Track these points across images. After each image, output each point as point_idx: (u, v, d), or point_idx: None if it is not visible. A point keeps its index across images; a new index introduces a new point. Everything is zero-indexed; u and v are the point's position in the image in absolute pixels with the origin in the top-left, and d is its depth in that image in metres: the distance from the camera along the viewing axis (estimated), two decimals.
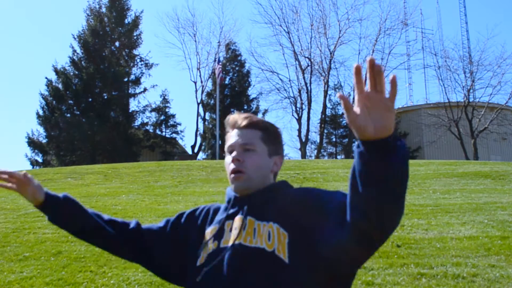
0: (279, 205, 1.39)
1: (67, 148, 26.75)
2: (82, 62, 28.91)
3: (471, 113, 27.41)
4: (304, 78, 32.51)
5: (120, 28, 30.66)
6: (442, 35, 49.46)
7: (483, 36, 59.58)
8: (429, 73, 47.12)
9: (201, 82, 32.71)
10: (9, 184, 1.59)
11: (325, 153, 33.84)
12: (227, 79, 32.76)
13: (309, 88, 32.37)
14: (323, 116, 32.41)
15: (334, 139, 33.84)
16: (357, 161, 1.18)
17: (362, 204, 1.12)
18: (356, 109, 1.12)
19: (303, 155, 30.95)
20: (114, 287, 4.17)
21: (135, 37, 31.05)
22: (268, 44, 49.96)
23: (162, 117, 31.19)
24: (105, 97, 29.01)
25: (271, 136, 1.47)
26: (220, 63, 26.45)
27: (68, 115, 28.03)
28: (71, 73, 28.53)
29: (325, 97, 32.16)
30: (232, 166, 1.40)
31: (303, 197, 1.39)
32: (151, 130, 30.92)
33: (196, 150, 31.64)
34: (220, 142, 25.36)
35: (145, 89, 30.56)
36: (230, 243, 1.36)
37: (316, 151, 32.63)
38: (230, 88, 33.06)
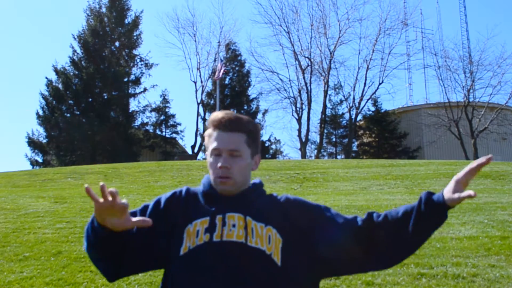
0: (275, 208, 1.50)
1: (67, 148, 26.76)
2: (82, 62, 28.94)
3: (471, 113, 27.42)
4: (304, 78, 32.56)
5: (120, 28, 30.68)
6: (442, 35, 49.48)
7: (483, 36, 59.62)
8: (429, 73, 47.09)
9: (201, 82, 32.72)
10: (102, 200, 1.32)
11: (325, 153, 33.87)
12: (227, 79, 32.76)
13: (309, 88, 32.41)
14: (323, 116, 32.42)
15: (334, 139, 33.85)
16: (430, 217, 1.46)
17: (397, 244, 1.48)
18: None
19: (303, 155, 30.96)
20: (114, 287, 4.17)
21: (135, 37, 31.08)
22: (268, 44, 50.04)
23: (162, 117, 31.23)
24: (105, 97, 29.03)
25: (254, 137, 1.51)
26: (222, 62, 26.44)
27: (68, 115, 28.05)
28: (71, 73, 28.55)
29: (325, 97, 32.22)
30: (219, 172, 1.45)
31: (299, 203, 1.54)
32: (151, 130, 30.96)
33: (196, 150, 31.65)
34: None
35: (145, 89, 30.58)
36: (226, 238, 1.39)
37: (316, 151, 32.67)
38: (230, 88, 33.08)
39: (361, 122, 32.96)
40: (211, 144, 1.47)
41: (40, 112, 27.52)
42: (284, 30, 32.90)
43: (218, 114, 1.49)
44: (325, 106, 32.30)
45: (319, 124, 32.91)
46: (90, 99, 28.64)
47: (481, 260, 4.66)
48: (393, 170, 13.07)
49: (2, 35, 51.78)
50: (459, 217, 6.62)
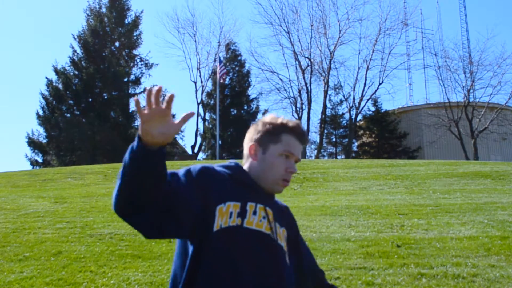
0: (284, 214, 1.64)
1: (67, 148, 26.76)
2: (82, 62, 28.93)
3: (471, 113, 27.42)
4: (304, 78, 32.55)
5: (120, 28, 30.68)
6: (442, 35, 49.48)
7: (483, 36, 59.68)
8: (429, 73, 47.24)
9: (201, 82, 32.70)
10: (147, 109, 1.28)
11: (325, 153, 33.87)
12: (227, 79, 32.76)
13: (309, 88, 32.40)
14: (323, 116, 32.42)
15: (334, 139, 33.86)
16: None
17: None
18: None
19: (303, 155, 30.96)
20: (114, 287, 4.17)
21: (135, 37, 31.07)
22: (268, 44, 50.08)
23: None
24: (105, 97, 29.02)
25: None
26: (222, 63, 26.43)
27: (68, 115, 28.05)
28: (71, 73, 28.54)
29: (325, 97, 32.21)
30: (286, 175, 1.55)
31: (292, 215, 1.70)
32: None
33: (196, 150, 31.66)
34: (220, 142, 25.35)
35: (145, 89, 30.43)
36: (256, 227, 1.45)
37: (316, 151, 32.66)
38: (230, 88, 33.07)
39: (361, 122, 32.96)
40: (282, 146, 1.55)
41: (40, 112, 27.53)
42: (284, 30, 32.93)
43: (295, 122, 1.61)
44: (325, 106, 32.32)
45: (319, 124, 32.94)
46: (90, 99, 28.63)
47: (481, 260, 4.66)
48: (393, 170, 13.07)
49: (2, 35, 51.79)
50: (459, 217, 6.62)
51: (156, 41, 65.85)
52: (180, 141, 32.49)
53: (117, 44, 30.74)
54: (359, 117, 32.65)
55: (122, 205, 1.31)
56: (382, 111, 31.74)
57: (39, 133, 27.73)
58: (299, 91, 32.79)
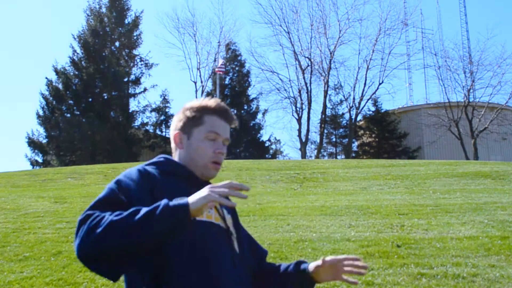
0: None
1: (67, 148, 26.75)
2: (82, 62, 28.93)
3: (471, 113, 27.41)
4: (304, 78, 32.56)
5: (120, 28, 30.68)
6: (442, 35, 49.44)
7: (483, 36, 59.70)
8: (429, 73, 47.18)
9: (201, 82, 32.70)
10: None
11: (325, 153, 33.86)
12: (227, 79, 32.76)
13: (309, 88, 32.41)
14: (323, 116, 32.42)
15: (334, 139, 33.86)
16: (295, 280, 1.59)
17: None
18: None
19: (303, 155, 30.97)
20: (114, 287, 4.17)
21: (135, 37, 31.07)
22: (268, 44, 50.04)
23: (162, 117, 31.19)
24: (105, 97, 29.01)
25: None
26: (223, 59, 26.42)
27: (68, 115, 28.04)
28: (71, 73, 28.54)
29: (325, 97, 32.22)
30: (215, 157, 1.49)
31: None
32: (151, 130, 30.94)
33: None
34: None
35: (145, 89, 30.55)
36: (206, 219, 1.39)
37: (316, 151, 32.66)
38: (230, 88, 33.07)
39: (361, 122, 32.96)
40: (205, 127, 1.49)
41: (40, 112, 27.53)
42: (284, 30, 32.96)
43: (214, 100, 1.53)
44: (325, 106, 32.32)
45: (319, 124, 32.94)
46: (90, 99, 28.62)
47: (481, 260, 4.66)
48: (393, 170, 13.07)
49: (2, 35, 51.80)
50: (459, 217, 6.62)
51: (156, 41, 65.80)
52: None
53: (117, 44, 30.74)
54: (359, 117, 32.68)
55: (101, 253, 1.19)
56: (382, 111, 31.75)
57: (39, 133, 27.76)
58: (299, 91, 32.81)
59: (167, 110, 31.46)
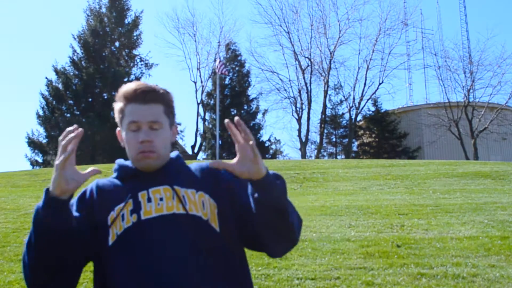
0: (203, 173, 1.43)
1: None
2: (82, 62, 28.93)
3: (471, 113, 27.42)
4: (304, 78, 32.56)
5: (120, 28, 30.68)
6: (442, 35, 49.43)
7: (483, 36, 59.70)
8: (429, 73, 47.18)
9: (201, 82, 32.67)
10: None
11: (325, 153, 33.85)
12: (227, 79, 32.76)
13: (309, 88, 32.41)
14: (323, 116, 32.43)
15: (334, 139, 33.86)
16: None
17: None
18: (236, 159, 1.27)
19: (303, 155, 30.97)
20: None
21: (135, 37, 31.08)
22: (268, 44, 50.01)
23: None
24: (105, 97, 29.01)
25: (171, 107, 1.43)
26: (223, 60, 26.41)
27: (68, 115, 28.04)
28: (71, 73, 28.54)
29: (325, 97, 32.23)
30: (140, 147, 1.35)
31: (214, 171, 1.43)
32: None
33: (196, 150, 31.67)
34: (220, 142, 25.37)
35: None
36: (156, 213, 1.30)
37: (316, 151, 32.67)
38: (230, 88, 33.07)
39: (361, 122, 32.96)
40: (126, 118, 1.37)
41: (40, 112, 27.52)
42: (284, 30, 32.97)
43: (130, 86, 1.39)
44: (325, 106, 32.33)
45: (319, 124, 32.94)
46: (90, 99, 28.63)
47: (481, 260, 4.66)
48: (393, 170, 13.07)
49: (2, 35, 51.79)
50: (459, 217, 6.62)
51: (156, 41, 65.78)
52: (180, 141, 32.52)
53: (117, 44, 30.74)
54: (359, 117, 32.69)
55: (37, 276, 1.26)
56: (382, 111, 31.75)
57: (39, 133, 27.74)
58: (299, 91, 32.81)
59: None
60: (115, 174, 1.45)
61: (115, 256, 1.29)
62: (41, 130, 27.69)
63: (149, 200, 1.33)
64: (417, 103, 31.74)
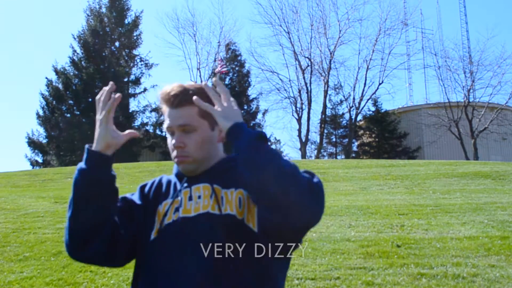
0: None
1: (67, 148, 26.75)
2: (82, 62, 28.93)
3: (471, 113, 27.41)
4: (304, 78, 32.56)
5: (120, 28, 30.68)
6: (442, 35, 49.44)
7: (483, 36, 59.62)
8: (429, 73, 47.14)
9: (201, 82, 32.67)
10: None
11: (325, 153, 33.82)
12: (227, 79, 32.76)
13: (309, 88, 32.39)
14: (323, 116, 32.42)
15: (334, 139, 33.85)
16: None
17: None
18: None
19: (303, 155, 30.97)
20: (114, 287, 4.17)
21: (135, 37, 31.07)
22: (268, 44, 50.12)
23: (162, 117, 31.08)
24: None
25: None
26: (223, 59, 26.43)
27: (68, 115, 28.05)
28: (71, 73, 28.54)
29: (325, 97, 32.22)
30: (175, 152, 1.35)
31: None
32: (151, 130, 30.94)
33: None
34: None
35: (145, 89, 30.58)
36: (194, 213, 1.30)
37: (316, 151, 32.66)
38: (230, 88, 33.04)
39: (361, 122, 32.96)
40: (165, 122, 1.38)
41: (40, 112, 27.53)
42: (284, 30, 32.97)
43: (166, 89, 1.37)
44: (325, 106, 32.33)
45: (319, 124, 32.94)
46: (90, 99, 28.59)
47: (481, 260, 4.66)
48: (393, 170, 13.07)
49: (2, 35, 51.80)
50: (459, 217, 6.62)
51: (156, 41, 65.80)
52: None
53: (117, 44, 30.74)
54: (359, 117, 32.69)
55: (76, 236, 1.28)
56: (382, 111, 31.75)
57: (39, 133, 27.76)
58: (299, 91, 32.78)
59: None
60: (174, 169, 1.47)
61: (153, 251, 1.31)
62: (41, 130, 27.74)
63: (190, 198, 1.34)
64: (417, 103, 31.78)
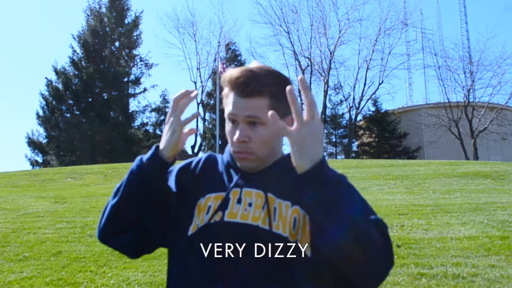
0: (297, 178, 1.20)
1: (67, 148, 26.77)
2: (82, 62, 28.95)
3: (471, 113, 27.41)
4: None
5: (120, 28, 30.70)
6: (442, 35, 49.41)
7: (483, 36, 59.55)
8: (429, 73, 47.11)
9: (201, 82, 32.67)
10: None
11: (325, 153, 33.78)
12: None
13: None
14: (323, 116, 32.41)
15: (334, 139, 33.87)
16: None
17: None
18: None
19: None
20: (114, 287, 4.17)
21: (135, 37, 31.09)
22: (268, 44, 50.02)
23: (162, 117, 31.21)
24: (105, 97, 29.04)
25: (282, 98, 1.13)
26: (223, 60, 26.43)
27: (68, 115, 28.07)
28: (71, 73, 28.56)
29: (325, 97, 32.20)
30: (236, 146, 1.19)
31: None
32: (151, 130, 30.96)
33: (196, 150, 31.66)
34: (220, 142, 25.37)
35: (145, 89, 30.61)
36: (239, 219, 1.16)
37: None
38: None
39: (361, 122, 32.97)
40: (227, 107, 1.21)
41: (40, 112, 27.54)
42: (284, 30, 32.92)
43: (234, 72, 1.20)
44: (325, 106, 32.31)
45: None
46: (90, 99, 28.64)
47: (481, 260, 4.66)
48: (393, 170, 13.07)
49: (2, 35, 51.80)
50: (459, 217, 6.62)
51: (156, 41, 65.79)
52: None
53: (117, 44, 30.76)
54: (359, 117, 32.69)
55: (112, 224, 1.21)
56: (382, 111, 31.76)
57: (39, 133, 27.78)
58: (299, 91, 32.74)
59: (167, 110, 31.45)
60: (224, 155, 1.31)
61: (189, 249, 1.18)
62: (41, 130, 27.76)
63: (239, 201, 1.18)
64: (417, 103, 31.76)
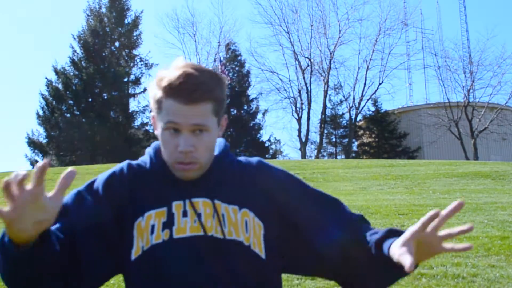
0: (250, 182, 1.16)
1: (67, 148, 26.77)
2: (82, 62, 28.94)
3: (471, 113, 27.42)
4: (304, 78, 32.55)
5: (120, 28, 30.68)
6: (442, 35, 49.32)
7: (483, 36, 59.45)
8: (429, 73, 46.84)
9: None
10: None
11: (325, 153, 33.79)
12: (227, 80, 32.78)
13: (309, 88, 32.38)
14: (323, 116, 32.44)
15: (334, 139, 33.87)
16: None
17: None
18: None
19: (303, 155, 30.98)
20: (114, 287, 4.17)
21: (135, 37, 31.07)
22: (268, 44, 49.70)
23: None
24: (105, 97, 29.04)
25: (221, 102, 1.10)
26: (222, 62, 26.46)
27: (68, 115, 28.06)
28: (71, 73, 28.55)
29: (325, 97, 32.23)
30: (179, 156, 1.06)
31: (285, 181, 1.24)
32: (151, 130, 30.91)
33: None
34: None
35: (145, 89, 30.54)
36: (190, 233, 1.07)
37: (316, 151, 32.67)
38: (230, 88, 33.05)
39: (361, 122, 32.97)
40: (164, 114, 1.06)
41: (40, 112, 27.52)
42: (284, 30, 32.95)
43: (173, 75, 1.04)
44: (325, 106, 32.34)
45: (319, 124, 32.93)
46: (90, 99, 28.64)
47: (481, 260, 4.66)
48: (393, 170, 13.07)
49: (1, 35, 51.81)
50: (459, 217, 6.62)
51: (156, 41, 65.77)
52: None
53: (117, 44, 30.74)
54: (359, 117, 32.70)
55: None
56: (382, 111, 31.75)
57: (39, 133, 27.74)
58: (299, 91, 32.73)
59: None
60: (148, 163, 1.16)
61: (136, 274, 1.08)
62: (41, 130, 27.72)
63: (184, 214, 1.08)
64: (417, 103, 31.76)
